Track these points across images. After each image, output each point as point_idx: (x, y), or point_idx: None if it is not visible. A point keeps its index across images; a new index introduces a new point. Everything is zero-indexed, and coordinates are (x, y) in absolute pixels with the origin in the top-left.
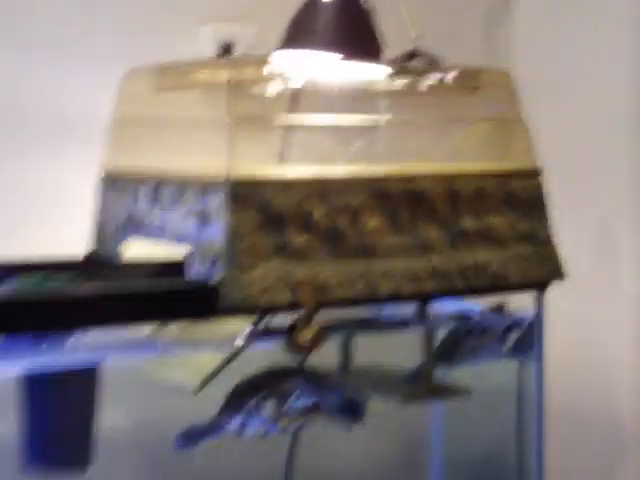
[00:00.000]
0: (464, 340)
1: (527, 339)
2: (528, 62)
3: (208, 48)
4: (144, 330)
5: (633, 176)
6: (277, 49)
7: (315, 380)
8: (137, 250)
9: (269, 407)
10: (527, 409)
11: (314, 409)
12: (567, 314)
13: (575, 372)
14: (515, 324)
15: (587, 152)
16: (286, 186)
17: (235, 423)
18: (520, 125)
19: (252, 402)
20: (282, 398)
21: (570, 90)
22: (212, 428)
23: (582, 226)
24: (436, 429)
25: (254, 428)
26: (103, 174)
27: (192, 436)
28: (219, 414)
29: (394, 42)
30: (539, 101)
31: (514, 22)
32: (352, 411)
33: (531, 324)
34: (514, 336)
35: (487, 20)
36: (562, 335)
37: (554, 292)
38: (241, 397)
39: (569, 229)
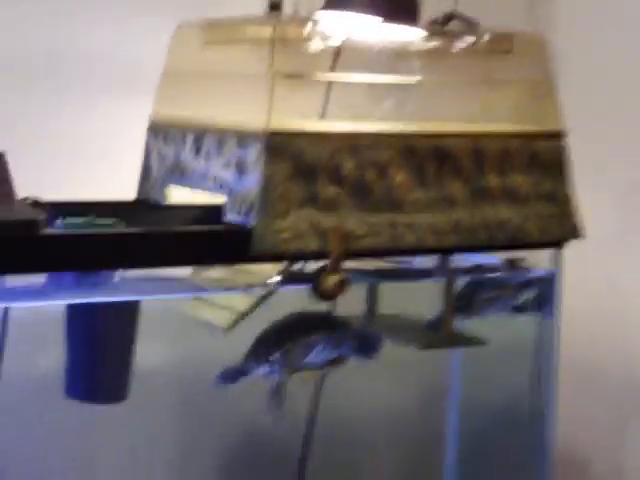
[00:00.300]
0: (480, 292)
1: (545, 294)
2: (570, 26)
3: (257, 4)
4: (182, 271)
5: None
6: (320, 9)
7: (337, 332)
8: (180, 195)
9: (292, 358)
10: (545, 360)
11: (336, 361)
12: (589, 271)
13: (596, 325)
14: (533, 280)
15: (618, 117)
16: (318, 139)
17: (263, 369)
18: (549, 88)
19: (276, 353)
20: (305, 350)
21: (605, 55)
22: (246, 369)
23: (612, 187)
24: (455, 377)
25: (278, 376)
26: (152, 122)
27: (229, 375)
28: (246, 359)
29: (434, 3)
30: (577, 65)
31: None
32: (367, 347)
33: (549, 280)
34: (532, 291)
35: None
36: (586, 289)
37: (580, 248)
38: (266, 346)
39: (598, 189)
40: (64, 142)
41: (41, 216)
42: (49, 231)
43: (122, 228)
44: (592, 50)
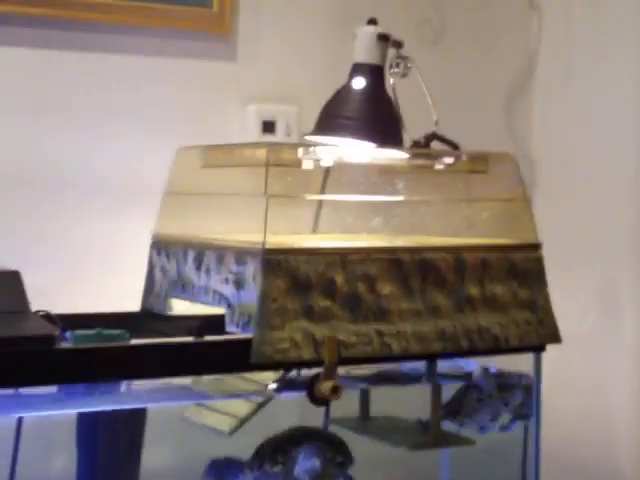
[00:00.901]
0: (468, 397)
1: (528, 397)
2: (546, 138)
3: (252, 125)
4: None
5: (634, 242)
6: (311, 133)
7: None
8: (182, 307)
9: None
10: (527, 461)
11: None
12: (572, 370)
13: (578, 425)
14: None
15: (591, 220)
16: (312, 255)
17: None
18: (523, 203)
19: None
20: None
21: (580, 164)
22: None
23: (586, 288)
24: (445, 475)
25: None
26: (156, 239)
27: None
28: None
29: (418, 124)
30: (556, 173)
31: (534, 99)
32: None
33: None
34: (516, 395)
35: (508, 98)
36: (569, 392)
37: (563, 351)
38: (262, 456)
39: (577, 292)
40: (71, 256)
41: (56, 331)
42: (64, 345)
43: (130, 340)
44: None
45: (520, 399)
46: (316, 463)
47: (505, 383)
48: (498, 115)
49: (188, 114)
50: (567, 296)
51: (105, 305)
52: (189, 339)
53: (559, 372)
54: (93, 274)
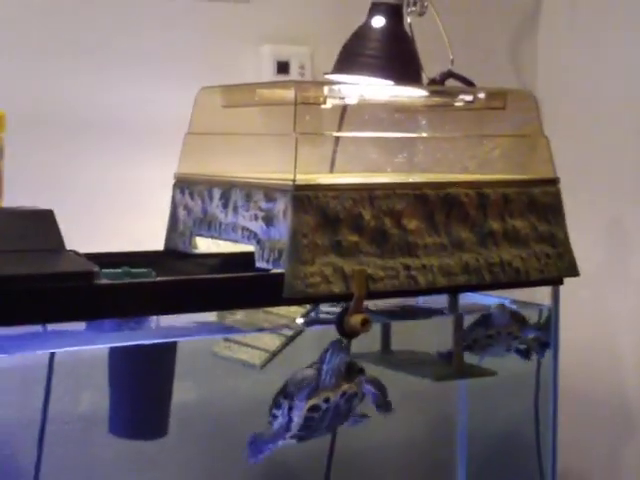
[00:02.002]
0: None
1: (545, 330)
2: (551, 78)
3: (266, 66)
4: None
5: None
6: (332, 72)
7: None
8: (208, 246)
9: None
10: (545, 392)
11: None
12: (583, 305)
13: (590, 358)
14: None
15: (602, 159)
16: (341, 191)
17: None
18: (541, 139)
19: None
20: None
21: (587, 102)
22: (275, 437)
23: (599, 225)
24: (462, 409)
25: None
26: (179, 179)
27: (258, 446)
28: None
29: (432, 62)
30: (560, 112)
31: (539, 41)
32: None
33: (549, 316)
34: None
35: (515, 40)
36: (579, 324)
37: (572, 286)
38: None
39: (587, 228)
40: (96, 197)
41: (95, 267)
42: (103, 281)
43: (158, 277)
44: (572, 97)
45: (533, 334)
46: (343, 357)
47: (518, 317)
48: (505, 56)
49: (203, 56)
50: (575, 232)
51: (125, 245)
52: (221, 275)
53: (567, 306)
54: (114, 215)
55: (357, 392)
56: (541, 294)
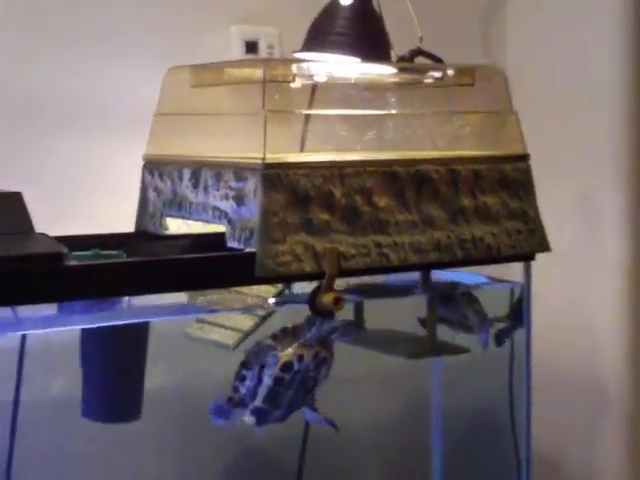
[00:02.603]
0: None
1: (518, 305)
2: (520, 56)
3: (235, 46)
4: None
5: (613, 154)
6: (301, 50)
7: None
8: (178, 226)
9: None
10: (519, 370)
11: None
12: (556, 283)
13: (563, 335)
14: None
15: (572, 135)
16: (310, 170)
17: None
18: (510, 115)
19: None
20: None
21: (556, 79)
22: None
23: (569, 202)
24: (436, 387)
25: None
26: (148, 160)
27: (223, 410)
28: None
29: (400, 40)
30: (530, 89)
31: (508, 19)
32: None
33: (521, 292)
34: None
35: (484, 18)
36: (552, 302)
37: (544, 262)
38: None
39: (557, 205)
40: (64, 180)
41: (64, 249)
42: (73, 263)
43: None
44: (540, 74)
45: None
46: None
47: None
48: (474, 32)
49: (170, 36)
50: (547, 209)
51: (96, 228)
52: (192, 255)
53: (540, 284)
54: (86, 197)
55: (327, 358)
56: (514, 272)
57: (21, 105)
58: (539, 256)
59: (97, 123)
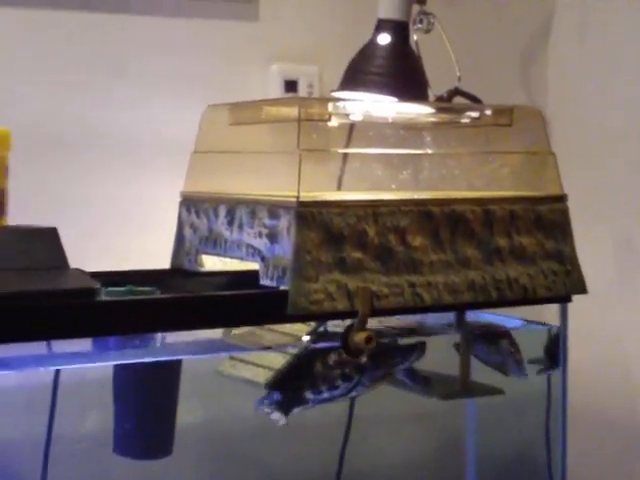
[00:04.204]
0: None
1: (554, 347)
2: (561, 95)
3: (275, 85)
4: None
5: None
6: (338, 89)
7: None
8: (213, 264)
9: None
10: (554, 411)
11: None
12: (592, 324)
13: (597, 376)
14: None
15: (614, 177)
16: (344, 208)
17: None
18: (548, 156)
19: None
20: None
21: (598, 119)
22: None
23: (609, 244)
24: (471, 428)
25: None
26: (185, 197)
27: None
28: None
29: (440, 80)
30: (571, 130)
31: (549, 57)
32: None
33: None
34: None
35: (524, 56)
36: (589, 343)
37: (581, 304)
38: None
39: (597, 247)
40: (99, 214)
41: (97, 284)
42: (104, 298)
43: (164, 294)
44: (581, 116)
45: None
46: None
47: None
48: (515, 72)
49: (212, 74)
50: (585, 251)
51: (132, 264)
52: (225, 292)
53: (577, 325)
54: (121, 233)
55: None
56: (550, 313)
57: (62, 142)
58: (577, 297)
59: (138, 161)
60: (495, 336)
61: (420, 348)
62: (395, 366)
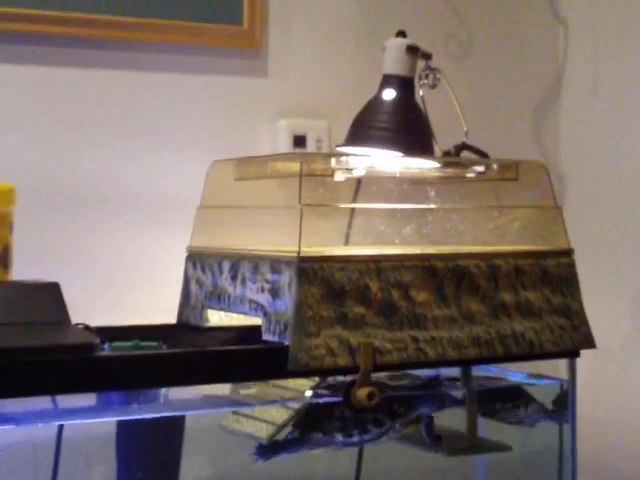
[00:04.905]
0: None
1: (563, 402)
2: (574, 148)
3: (283, 140)
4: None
5: None
6: (342, 144)
7: None
8: (219, 319)
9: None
10: (565, 468)
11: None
12: (608, 380)
13: (613, 434)
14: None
15: (627, 231)
16: (346, 263)
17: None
18: (554, 210)
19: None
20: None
21: (610, 176)
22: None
23: (617, 300)
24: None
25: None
26: (191, 252)
27: (270, 448)
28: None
29: (447, 135)
30: (584, 185)
31: (561, 110)
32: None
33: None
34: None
35: (536, 110)
36: (603, 400)
37: (592, 360)
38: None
39: (611, 302)
40: (105, 270)
41: (96, 340)
42: (103, 353)
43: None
44: (592, 173)
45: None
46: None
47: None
48: (526, 128)
49: (220, 130)
50: (599, 307)
51: (139, 318)
52: (227, 347)
53: (592, 381)
54: (127, 288)
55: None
56: (562, 368)
57: (61, 197)
58: (591, 353)
59: (144, 216)
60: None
61: (444, 399)
62: (421, 413)
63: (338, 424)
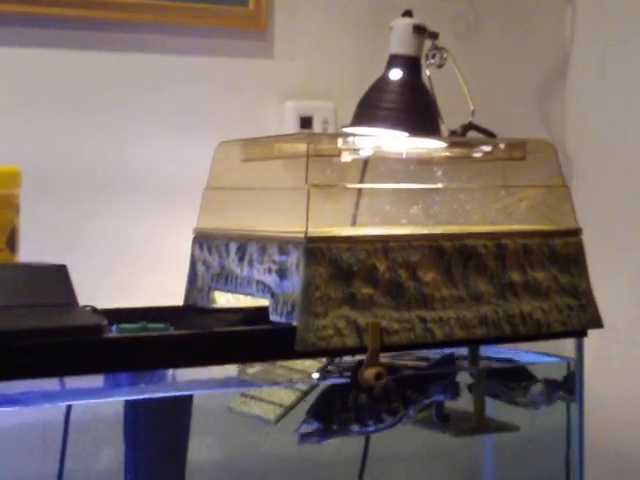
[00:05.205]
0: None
1: (571, 382)
2: (581, 128)
3: (290, 121)
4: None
5: None
6: (349, 124)
7: None
8: (227, 300)
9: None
10: (571, 446)
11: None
12: (613, 360)
13: (619, 412)
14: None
15: (634, 211)
16: (353, 244)
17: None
18: (562, 189)
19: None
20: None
21: (617, 155)
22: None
23: (623, 279)
24: (489, 463)
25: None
26: (198, 234)
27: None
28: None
29: (454, 115)
30: (592, 164)
31: (567, 89)
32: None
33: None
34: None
35: (543, 89)
36: (609, 378)
37: (598, 338)
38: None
39: (616, 283)
40: (111, 253)
41: (104, 321)
42: (111, 335)
43: (175, 330)
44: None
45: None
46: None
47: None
48: (533, 108)
49: (226, 112)
50: (604, 286)
51: (145, 301)
52: (234, 328)
53: (598, 361)
54: (134, 270)
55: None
56: (569, 347)
57: (68, 179)
58: (597, 332)
59: (145, 197)
60: (513, 374)
61: (458, 387)
62: (435, 398)
63: (353, 415)
